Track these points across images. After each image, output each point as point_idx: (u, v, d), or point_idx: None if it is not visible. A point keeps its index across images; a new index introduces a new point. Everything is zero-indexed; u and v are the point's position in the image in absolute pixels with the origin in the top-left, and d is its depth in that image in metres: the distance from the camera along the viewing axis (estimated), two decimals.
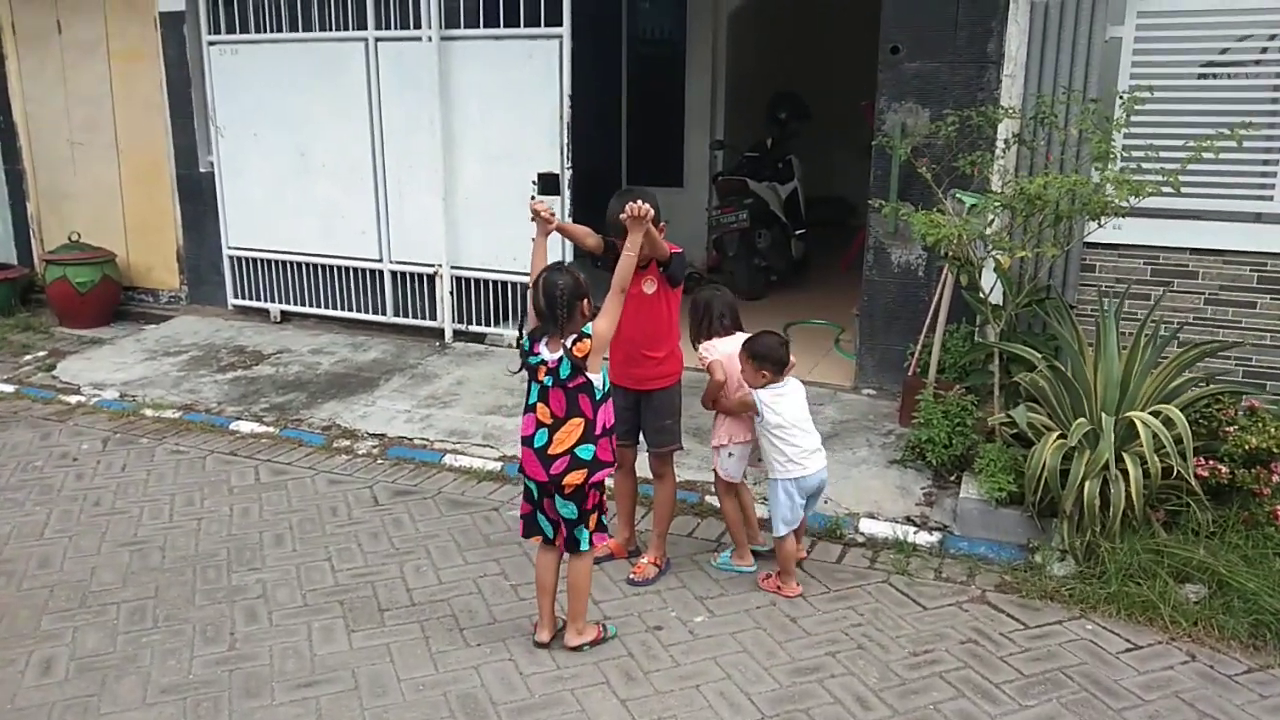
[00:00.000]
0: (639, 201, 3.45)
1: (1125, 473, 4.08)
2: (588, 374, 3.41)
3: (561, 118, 6.43)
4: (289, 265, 7.63)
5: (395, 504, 4.87)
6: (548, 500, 3.53)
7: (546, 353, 3.44)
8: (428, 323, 7.23)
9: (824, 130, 10.04)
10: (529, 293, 3.52)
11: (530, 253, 3.75)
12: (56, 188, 8.41)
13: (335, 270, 7.48)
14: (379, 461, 5.39)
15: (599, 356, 3.44)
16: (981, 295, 4.90)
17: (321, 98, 7.14)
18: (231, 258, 7.80)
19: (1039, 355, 4.66)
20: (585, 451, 3.44)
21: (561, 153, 6.47)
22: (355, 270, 7.41)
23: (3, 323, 7.89)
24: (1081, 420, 4.24)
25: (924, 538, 4.44)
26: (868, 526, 4.54)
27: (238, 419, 5.94)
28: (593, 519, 3.56)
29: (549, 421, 3.44)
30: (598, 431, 3.46)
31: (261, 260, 7.72)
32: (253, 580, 4.15)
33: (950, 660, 3.58)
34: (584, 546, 3.54)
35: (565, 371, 3.40)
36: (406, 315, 7.32)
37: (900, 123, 5.69)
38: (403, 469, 5.28)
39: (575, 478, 3.43)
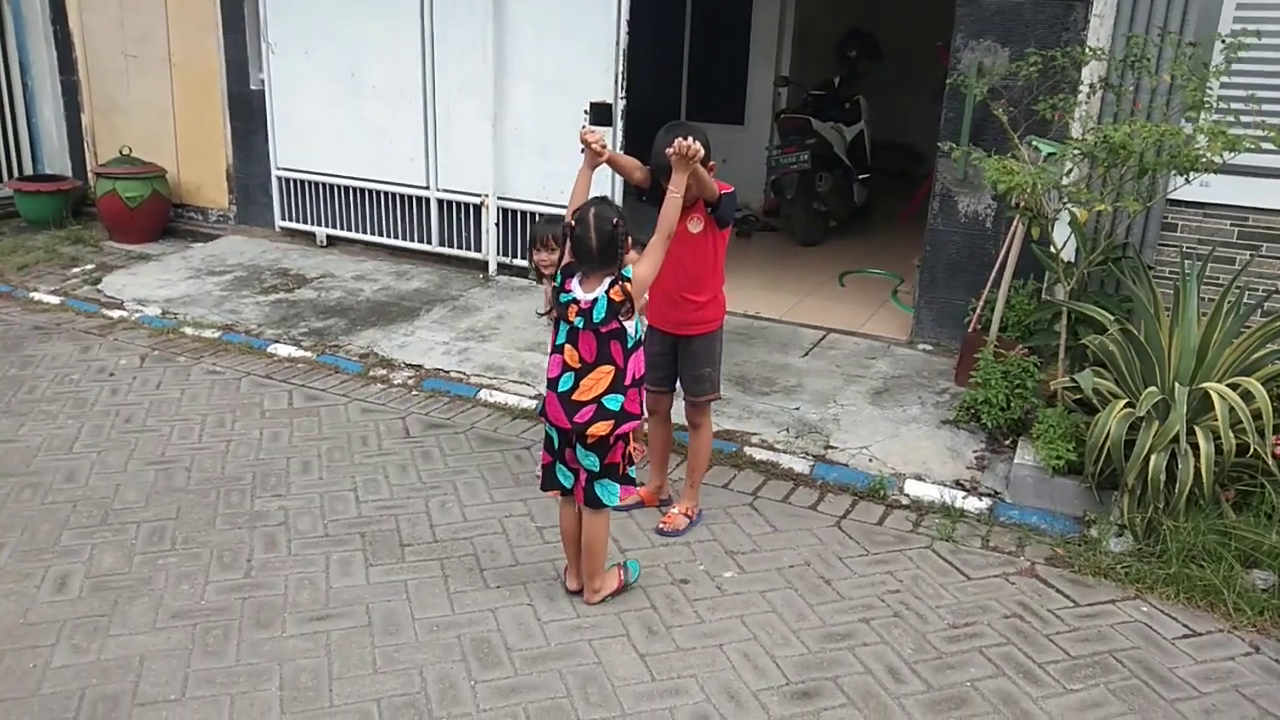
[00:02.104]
0: (688, 138, 3.21)
1: (1195, 447, 3.80)
2: (622, 319, 3.21)
3: (618, 44, 6.15)
4: (336, 189, 7.50)
5: (426, 437, 4.75)
6: (569, 450, 3.34)
7: (580, 291, 3.24)
8: (472, 254, 7.07)
9: (895, 72, 9.60)
10: (566, 225, 3.31)
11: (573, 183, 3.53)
12: (110, 100, 8.35)
13: (382, 196, 7.34)
14: (414, 393, 5.27)
15: (638, 302, 3.23)
16: (1053, 250, 4.59)
17: (375, 16, 6.92)
18: (280, 179, 7.69)
19: (1110, 317, 4.35)
20: (613, 401, 3.24)
21: (616, 82, 6.20)
22: (402, 197, 7.25)
23: (54, 234, 7.90)
24: (1152, 389, 3.95)
25: (973, 503, 4.21)
26: (914, 488, 4.31)
27: (276, 342, 5.86)
28: (620, 470, 3.38)
29: (576, 366, 3.25)
30: (627, 381, 3.26)
31: (309, 182, 7.60)
32: (275, 507, 4.07)
33: (992, 635, 3.38)
34: (607, 502, 3.36)
35: (600, 314, 3.19)
36: (452, 245, 7.16)
37: (977, 62, 5.33)
38: (437, 401, 5.16)
39: (600, 429, 3.24)
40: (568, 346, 3.27)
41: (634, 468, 3.45)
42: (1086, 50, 4.73)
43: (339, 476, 4.35)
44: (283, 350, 5.75)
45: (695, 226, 3.69)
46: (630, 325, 3.25)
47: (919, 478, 4.39)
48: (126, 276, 7.02)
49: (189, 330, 6.04)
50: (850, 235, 8.44)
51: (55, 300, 6.52)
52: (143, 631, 3.24)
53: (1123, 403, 3.98)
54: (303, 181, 7.62)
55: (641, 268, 3.24)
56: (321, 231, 7.65)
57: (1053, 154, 4.59)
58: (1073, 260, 4.77)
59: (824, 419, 4.87)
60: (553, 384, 3.31)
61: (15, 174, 8.53)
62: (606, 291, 3.18)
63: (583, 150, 3.45)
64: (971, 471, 4.43)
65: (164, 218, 8.00)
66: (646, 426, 4.17)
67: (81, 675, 3.03)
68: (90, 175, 8.32)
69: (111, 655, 3.12)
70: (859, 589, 3.62)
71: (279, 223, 7.82)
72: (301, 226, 7.74)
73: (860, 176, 8.51)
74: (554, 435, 3.38)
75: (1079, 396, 4.26)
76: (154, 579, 3.54)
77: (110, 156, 7.97)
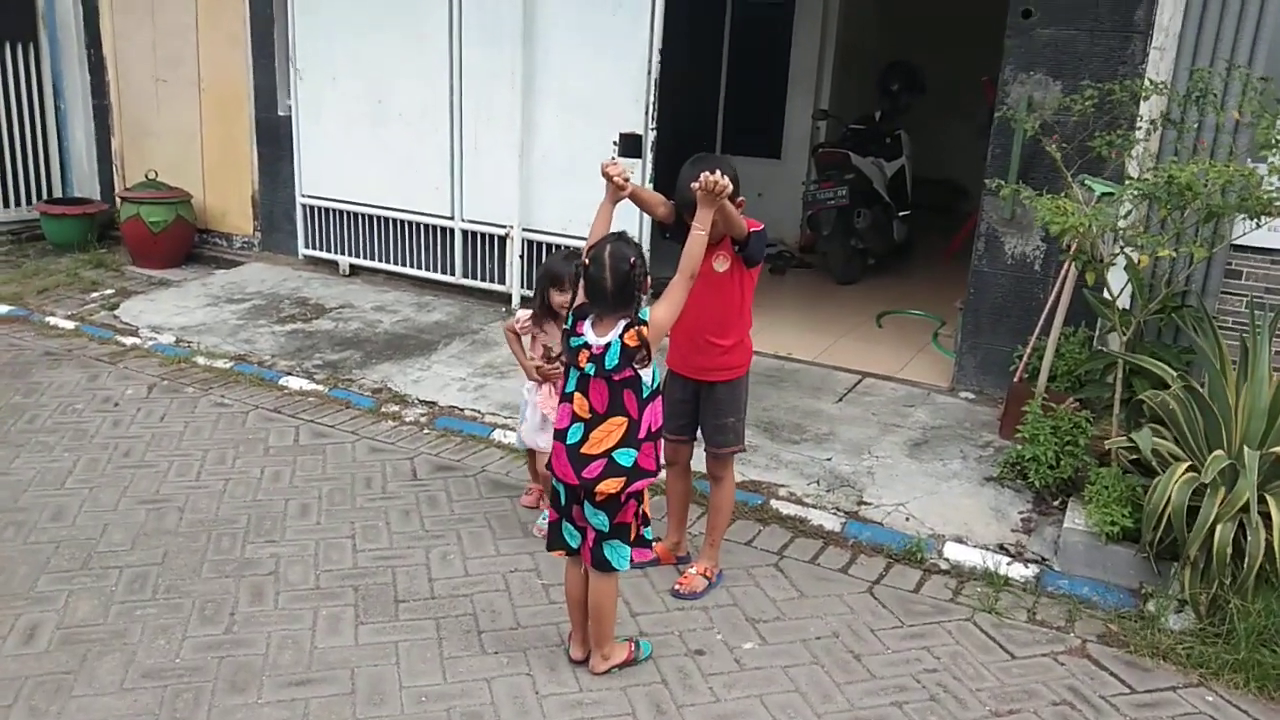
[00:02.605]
0: (715, 172, 2.95)
1: (1267, 517, 3.46)
2: (636, 367, 2.94)
3: (649, 73, 5.92)
4: (360, 217, 7.32)
5: (434, 480, 4.50)
6: (576, 507, 3.07)
7: (592, 335, 2.97)
8: (496, 286, 6.85)
9: (939, 106, 9.31)
10: (579, 263, 3.05)
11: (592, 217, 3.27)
12: (140, 124, 8.27)
13: (407, 225, 7.15)
14: (425, 431, 5.03)
15: (654, 348, 2.96)
16: (1108, 297, 4.26)
17: (403, 41, 6.77)
18: (304, 206, 7.54)
19: (1171, 371, 4.01)
20: (624, 457, 2.96)
21: (646, 112, 5.97)
22: (426, 227, 7.06)
23: (78, 258, 7.79)
24: (1219, 453, 3.61)
25: (1018, 570, 3.87)
26: (954, 552, 3.98)
27: (288, 374, 5.66)
28: (632, 531, 3.08)
29: (586, 416, 2.98)
30: (641, 434, 2.98)
31: (333, 210, 7.43)
32: (267, 554, 3.82)
33: None
34: (616, 566, 3.06)
35: (612, 361, 2.92)
36: (475, 277, 6.95)
37: (1027, 96, 5.03)
38: (449, 441, 4.91)
39: (609, 485, 2.95)
40: (577, 395, 3.01)
41: (649, 529, 3.16)
42: (1147, 84, 4.42)
43: (338, 522, 4.10)
44: (294, 383, 5.54)
45: (721, 265, 3.42)
46: (646, 373, 2.97)
47: (960, 540, 4.05)
48: (144, 302, 6.88)
49: (201, 360, 5.86)
50: (889, 274, 8.12)
51: (70, 325, 6.38)
52: (108, 692, 3.00)
53: (1185, 466, 3.64)
54: (327, 209, 7.46)
55: (660, 310, 2.97)
56: (345, 260, 7.48)
57: (1108, 194, 4.28)
58: (1128, 308, 4.44)
59: (857, 471, 4.56)
60: (560, 435, 3.04)
61: (44, 196, 8.47)
62: (621, 336, 2.92)
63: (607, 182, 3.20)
64: (1017, 535, 4.09)
65: (188, 243, 7.88)
66: (664, 476, 3.89)
67: None
68: (117, 199, 8.24)
69: None
70: (892, 666, 3.30)
71: (302, 250, 7.66)
72: (325, 255, 7.58)
73: (901, 213, 8.20)
74: (561, 491, 3.10)
75: (1135, 457, 3.91)
76: (129, 632, 3.29)
77: (138, 181, 7.88)
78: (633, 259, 2.87)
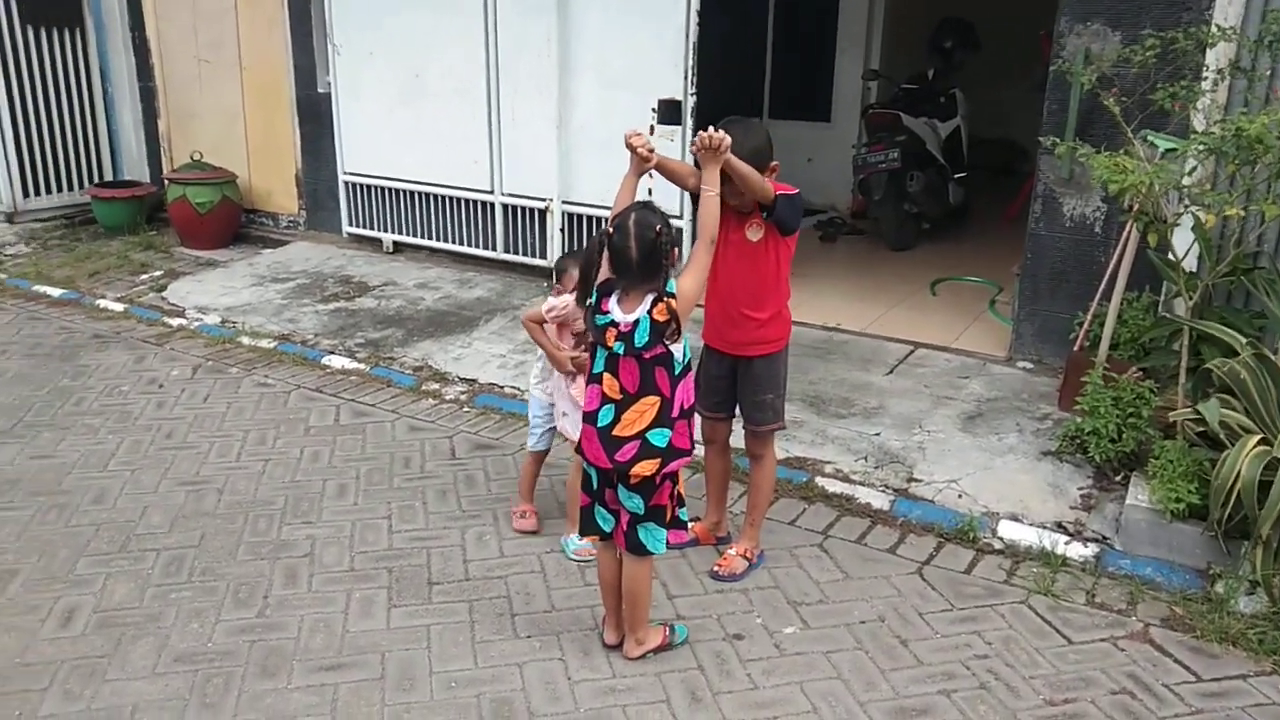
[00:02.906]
0: (718, 130, 2.83)
1: None
2: (667, 343, 2.82)
3: (688, 37, 5.74)
4: (402, 194, 7.27)
5: (472, 459, 4.44)
6: (609, 490, 2.96)
7: (618, 312, 2.85)
8: (537, 261, 6.76)
9: (995, 63, 8.95)
10: (603, 232, 2.93)
11: (617, 188, 3.14)
12: (184, 106, 8.31)
13: (447, 201, 7.08)
14: (465, 409, 4.96)
15: (685, 320, 2.84)
16: (1172, 259, 4.02)
17: (438, 14, 6.66)
18: (346, 183, 7.51)
19: (1241, 338, 3.77)
20: (659, 437, 2.85)
21: (686, 77, 5.80)
22: (467, 202, 6.98)
23: (128, 240, 7.87)
24: None
25: (1077, 550, 3.68)
26: (1009, 531, 3.81)
27: (331, 353, 5.64)
28: (668, 513, 2.98)
29: (617, 397, 2.86)
30: (675, 413, 2.86)
31: (375, 187, 7.39)
32: (303, 536, 3.79)
33: (1096, 716, 2.87)
34: (653, 549, 2.96)
35: (642, 338, 2.80)
36: (516, 252, 6.86)
37: (1084, 48, 4.77)
38: (488, 419, 4.84)
39: (645, 468, 2.84)
40: (606, 375, 2.89)
41: (684, 510, 3.05)
42: (1214, 30, 4.14)
43: (374, 502, 4.06)
44: (336, 362, 5.52)
45: (754, 234, 3.27)
46: (677, 349, 2.85)
47: (1015, 518, 3.88)
48: (192, 283, 6.92)
49: (245, 340, 5.86)
50: (945, 238, 7.86)
51: (119, 308, 6.44)
52: (141, 677, 2.98)
53: (1256, 439, 3.42)
54: (369, 186, 7.42)
55: (686, 280, 2.85)
56: (388, 238, 7.44)
57: (1172, 150, 4.03)
58: (1195, 271, 4.19)
59: (908, 447, 4.39)
60: (590, 418, 2.93)
61: (95, 180, 8.56)
62: (649, 311, 2.79)
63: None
64: (1076, 512, 3.90)
65: (234, 223, 7.91)
66: (701, 453, 3.77)
67: None
68: (164, 181, 8.29)
69: (103, 704, 2.87)
70: (940, 652, 3.15)
71: (346, 228, 7.64)
72: (368, 232, 7.55)
73: (956, 175, 7.91)
74: (593, 475, 3.00)
75: (1203, 429, 3.69)
76: (163, 615, 3.28)
77: (184, 162, 7.92)
78: (658, 226, 2.75)
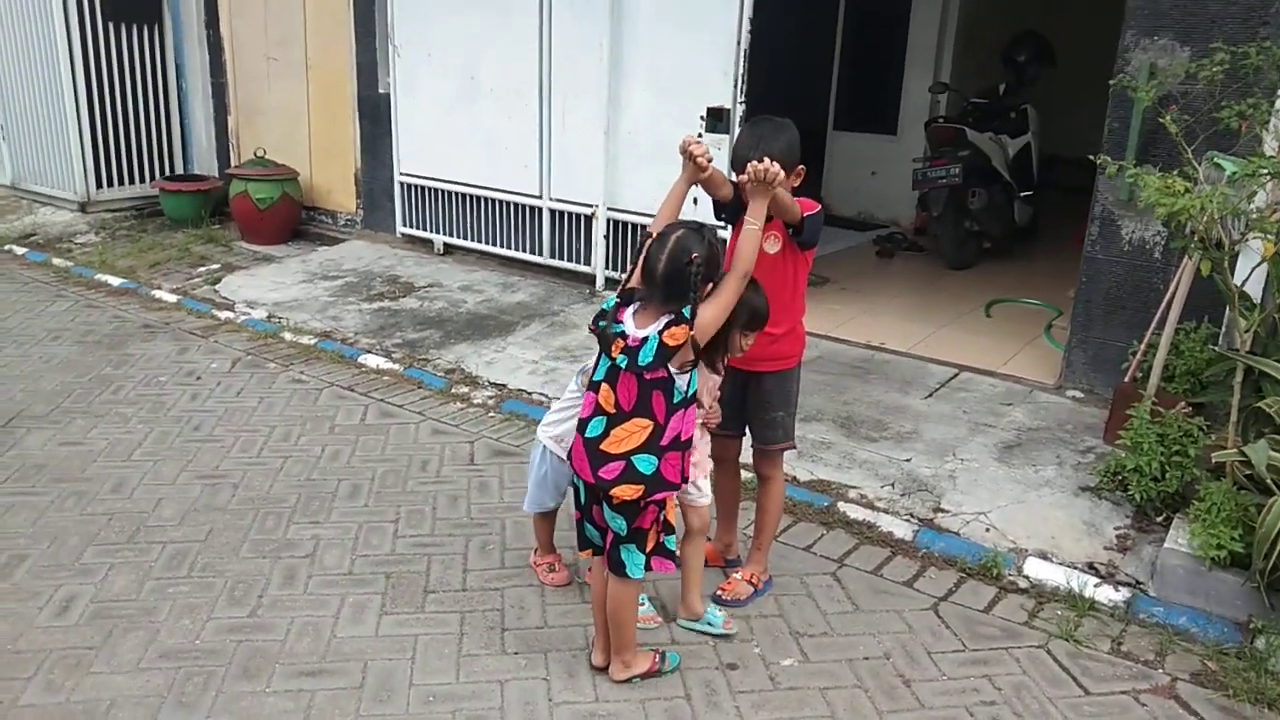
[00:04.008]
0: (763, 160, 2.68)
1: None
2: (671, 370, 2.70)
3: (739, 44, 5.62)
4: (454, 196, 7.29)
5: (490, 465, 4.38)
6: (595, 506, 2.87)
7: (631, 325, 2.74)
8: (581, 267, 6.70)
9: (1075, 79, 8.60)
10: (643, 241, 2.79)
11: (664, 194, 3.01)
12: (252, 103, 8.48)
13: (497, 204, 7.07)
14: (491, 414, 4.91)
15: (686, 353, 2.71)
16: (1232, 289, 3.76)
17: (494, 16, 6.67)
18: (402, 184, 7.56)
19: None
20: (644, 464, 2.73)
21: (736, 85, 5.68)
22: (515, 206, 6.96)
23: (191, 233, 8.05)
24: None
25: (1107, 593, 3.46)
26: (1035, 569, 3.60)
27: (368, 352, 5.65)
28: (650, 539, 2.86)
29: (610, 410, 2.76)
30: (665, 442, 2.73)
31: (429, 189, 7.43)
32: (308, 536, 3.77)
33: None
34: (631, 573, 2.84)
35: (646, 357, 2.67)
36: (561, 258, 6.82)
37: (1149, 63, 4.52)
38: (512, 425, 4.78)
39: (625, 492, 2.73)
40: (604, 385, 2.79)
41: (672, 537, 2.92)
42: None
43: (385, 505, 4.02)
44: (372, 361, 5.53)
45: (772, 247, 3.14)
46: (683, 379, 2.73)
47: (1044, 556, 3.66)
48: (245, 278, 7.03)
49: (288, 335, 5.91)
50: (1008, 259, 7.58)
51: (173, 299, 6.56)
52: (124, 671, 2.98)
53: None
54: (423, 187, 7.46)
55: (708, 311, 2.69)
56: (439, 239, 7.47)
57: (1236, 173, 3.77)
58: (1260, 301, 3.92)
59: (938, 475, 4.20)
60: (581, 426, 2.84)
61: (167, 173, 8.78)
62: (660, 332, 2.68)
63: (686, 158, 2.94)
64: (1110, 553, 3.67)
65: (293, 220, 8.02)
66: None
67: (43, 718, 2.78)
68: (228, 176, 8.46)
69: (82, 698, 2.86)
70: (945, 696, 2.97)
71: (399, 229, 7.69)
72: (421, 233, 7.59)
73: (1023, 193, 7.62)
74: (580, 488, 2.91)
75: (1251, 472, 3.43)
76: (157, 609, 3.28)
77: (249, 158, 8.07)
78: (695, 255, 2.61)
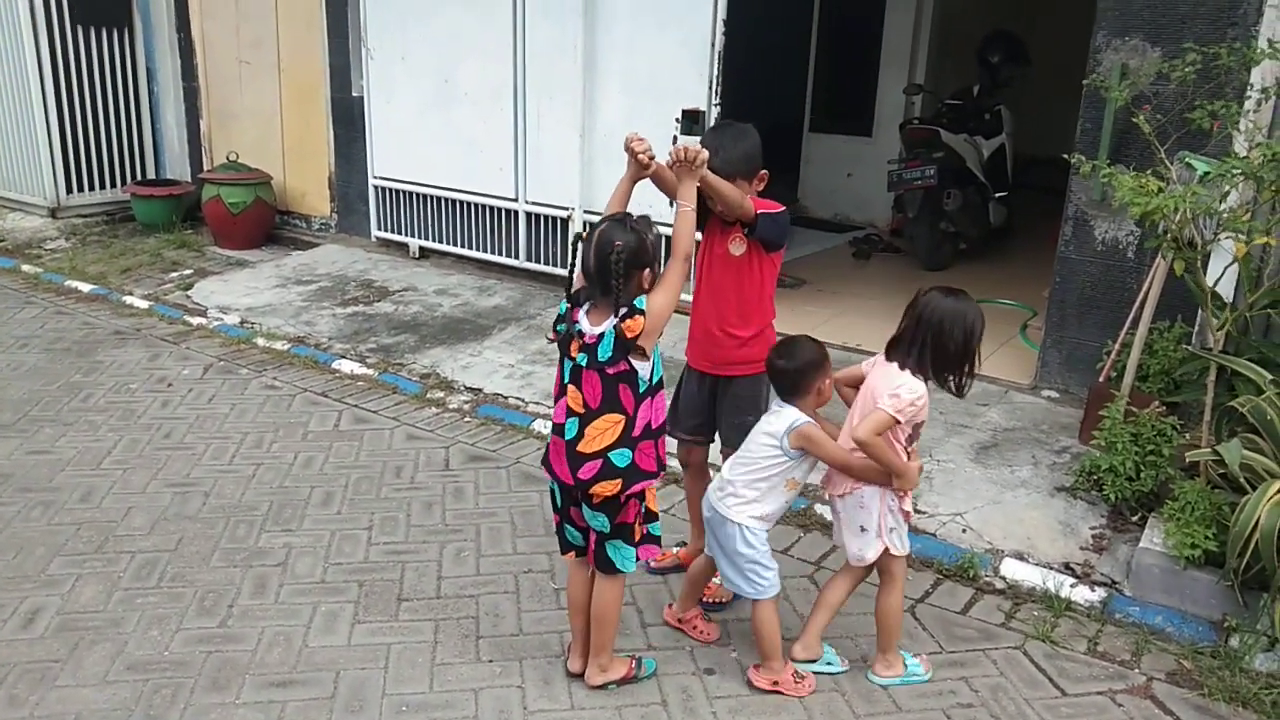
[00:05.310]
0: (690, 146, 2.71)
1: None
2: (632, 360, 2.69)
3: (713, 45, 5.61)
4: (429, 199, 7.23)
5: (465, 470, 4.34)
6: (574, 508, 2.85)
7: (586, 323, 2.74)
8: (558, 270, 6.65)
9: (1051, 79, 8.65)
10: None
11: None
12: (225, 107, 8.39)
13: (472, 207, 7.02)
14: (466, 419, 4.88)
15: (653, 339, 2.70)
16: (1204, 289, 3.78)
17: (468, 18, 6.62)
18: (376, 187, 7.50)
19: (1265, 374, 3.52)
20: (620, 457, 2.72)
21: (710, 86, 5.67)
22: (491, 209, 6.91)
23: (163, 238, 7.96)
24: None
25: (1083, 593, 3.46)
26: (1011, 570, 3.60)
27: (342, 357, 5.59)
28: (635, 531, 2.85)
29: (580, 411, 2.75)
30: (636, 433, 2.73)
31: (404, 192, 7.36)
32: (280, 544, 3.72)
33: None
34: (622, 567, 2.84)
35: (605, 353, 2.68)
36: (537, 261, 6.78)
37: (1120, 63, 4.54)
38: (488, 430, 4.75)
39: (606, 488, 2.72)
40: (570, 388, 2.77)
41: (656, 524, 2.91)
42: (1262, 46, 3.89)
43: (358, 512, 3.98)
44: (346, 366, 5.48)
45: (737, 249, 3.13)
46: (644, 367, 2.72)
47: (1020, 556, 3.67)
48: (217, 283, 6.95)
49: (261, 341, 5.85)
50: (983, 260, 7.59)
51: (144, 305, 6.48)
52: (90, 684, 2.93)
53: (1279, 484, 3.17)
54: (397, 191, 7.40)
55: (657, 299, 2.71)
56: (414, 243, 7.41)
57: (1208, 173, 3.79)
58: (1232, 300, 3.93)
59: None
60: (558, 430, 2.82)
61: (139, 178, 8.68)
62: (616, 326, 2.67)
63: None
64: (1086, 553, 3.67)
65: (267, 224, 7.95)
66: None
67: None
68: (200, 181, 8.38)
69: (46, 712, 2.81)
70: (921, 699, 2.97)
71: (374, 233, 7.63)
72: (396, 237, 7.53)
73: (998, 194, 7.65)
74: (556, 491, 2.88)
75: (1225, 470, 3.45)
76: (125, 621, 3.23)
77: (221, 163, 7.99)
78: (618, 243, 2.62)
